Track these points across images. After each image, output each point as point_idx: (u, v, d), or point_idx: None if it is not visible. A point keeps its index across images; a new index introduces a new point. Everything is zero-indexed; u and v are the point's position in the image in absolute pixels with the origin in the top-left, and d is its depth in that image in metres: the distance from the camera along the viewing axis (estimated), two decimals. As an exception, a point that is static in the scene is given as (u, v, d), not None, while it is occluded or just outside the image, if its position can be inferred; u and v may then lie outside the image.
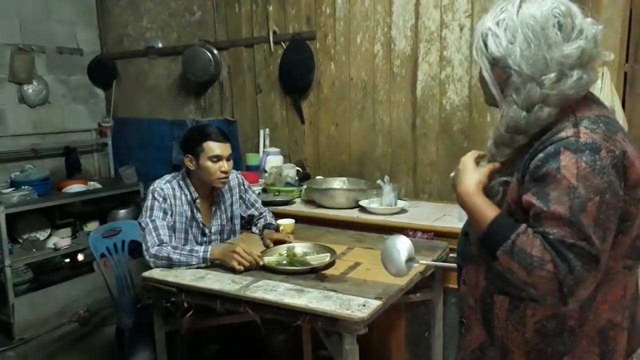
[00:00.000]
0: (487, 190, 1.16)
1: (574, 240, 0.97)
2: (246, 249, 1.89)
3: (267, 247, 2.10)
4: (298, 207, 2.80)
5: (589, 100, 1.11)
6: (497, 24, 1.08)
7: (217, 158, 2.11)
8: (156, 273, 1.90)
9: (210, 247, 1.94)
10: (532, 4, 1.06)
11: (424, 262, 1.61)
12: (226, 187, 2.30)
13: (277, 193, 2.94)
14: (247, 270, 1.86)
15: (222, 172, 2.12)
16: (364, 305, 1.53)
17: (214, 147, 2.10)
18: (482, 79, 1.17)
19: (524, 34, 1.04)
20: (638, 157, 1.03)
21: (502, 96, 1.12)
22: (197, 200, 2.18)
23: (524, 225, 1.04)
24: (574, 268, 0.96)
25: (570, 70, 1.03)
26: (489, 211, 1.11)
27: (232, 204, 2.34)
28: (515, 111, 1.07)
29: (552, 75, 1.03)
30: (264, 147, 3.41)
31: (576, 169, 0.98)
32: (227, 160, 2.15)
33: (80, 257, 3.70)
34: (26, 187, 3.36)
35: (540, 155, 1.03)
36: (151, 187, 2.14)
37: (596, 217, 0.97)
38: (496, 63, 1.09)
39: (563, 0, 1.07)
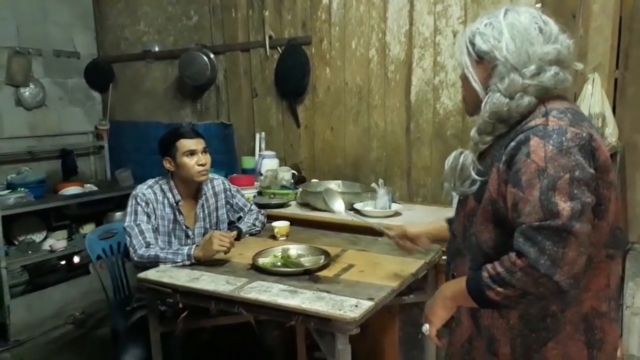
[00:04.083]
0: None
1: (540, 222, 1.02)
2: (221, 233, 2.01)
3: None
4: (293, 209, 2.82)
5: (561, 97, 1.20)
6: (485, 25, 1.20)
7: (192, 152, 2.19)
8: (151, 274, 1.92)
9: (194, 246, 2.02)
10: (515, 13, 1.18)
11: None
12: (211, 192, 2.37)
13: (272, 196, 2.96)
14: (227, 251, 1.96)
15: (200, 165, 2.20)
16: (356, 306, 1.55)
17: (187, 143, 2.19)
18: (465, 82, 1.26)
19: (510, 33, 1.15)
20: (604, 143, 1.12)
21: (484, 87, 1.21)
22: (180, 203, 2.25)
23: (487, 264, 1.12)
24: (545, 249, 1.01)
25: (548, 66, 1.14)
26: (461, 282, 1.18)
27: (217, 209, 2.39)
28: (499, 98, 1.16)
29: (533, 67, 1.13)
30: (259, 151, 3.43)
31: (544, 152, 1.05)
32: (203, 153, 2.23)
33: (76, 259, 3.72)
34: (22, 189, 3.38)
35: (512, 143, 1.12)
36: (133, 192, 2.23)
37: (570, 192, 1.02)
38: (483, 57, 1.19)
39: (542, 15, 1.19)
